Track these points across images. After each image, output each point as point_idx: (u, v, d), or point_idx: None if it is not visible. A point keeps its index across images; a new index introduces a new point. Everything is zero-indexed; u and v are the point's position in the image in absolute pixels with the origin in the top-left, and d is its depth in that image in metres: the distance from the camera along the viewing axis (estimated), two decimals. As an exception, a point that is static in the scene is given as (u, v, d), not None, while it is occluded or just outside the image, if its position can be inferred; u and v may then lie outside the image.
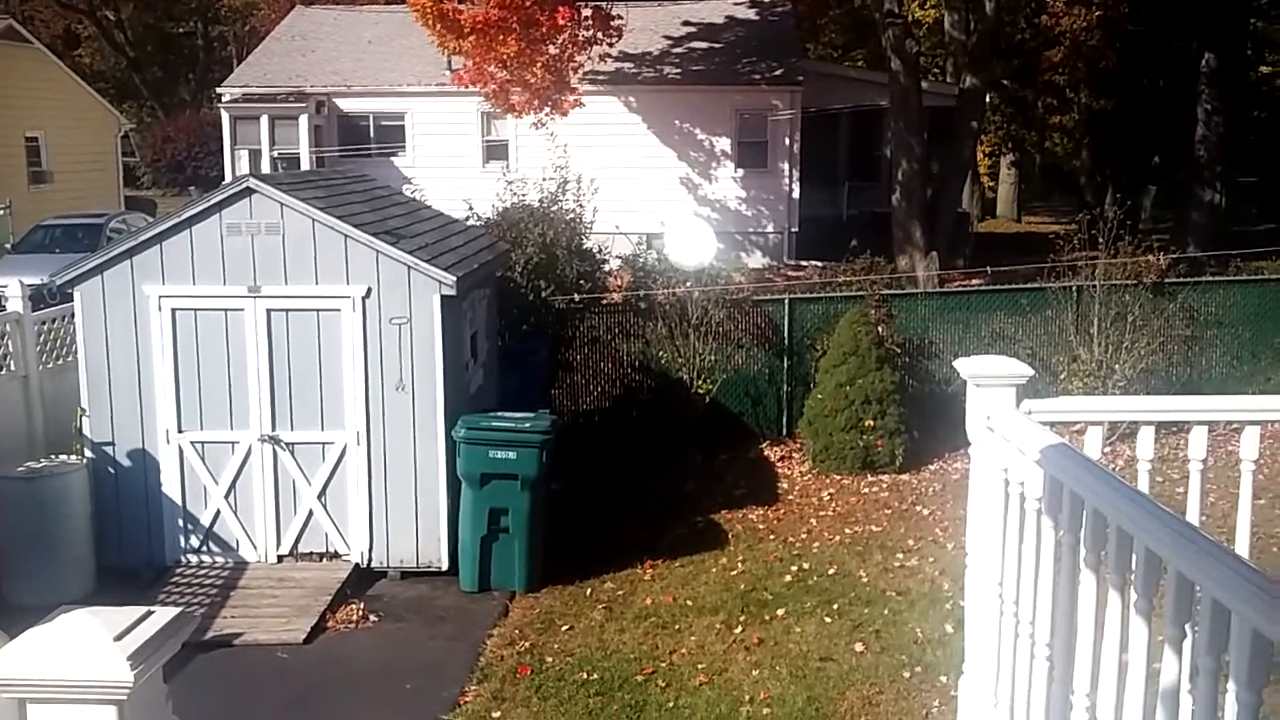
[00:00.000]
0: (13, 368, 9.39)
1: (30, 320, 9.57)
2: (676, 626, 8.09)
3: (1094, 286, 12.31)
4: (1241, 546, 4.32)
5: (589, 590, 8.83)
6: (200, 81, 46.27)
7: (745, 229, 23.49)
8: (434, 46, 20.63)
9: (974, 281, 17.03)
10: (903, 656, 7.43)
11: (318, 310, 8.89)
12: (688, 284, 12.72)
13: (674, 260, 13.35)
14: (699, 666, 7.42)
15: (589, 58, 20.80)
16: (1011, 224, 35.94)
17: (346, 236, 8.76)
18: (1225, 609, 2.58)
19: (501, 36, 18.60)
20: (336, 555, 9.10)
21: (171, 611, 2.81)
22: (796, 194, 23.35)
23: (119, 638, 2.59)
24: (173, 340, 8.89)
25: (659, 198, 21.97)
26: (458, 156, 23.02)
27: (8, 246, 21.47)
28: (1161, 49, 28.61)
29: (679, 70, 23.98)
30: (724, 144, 23.48)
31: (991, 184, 40.26)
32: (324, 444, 9.01)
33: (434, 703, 7.03)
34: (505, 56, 18.89)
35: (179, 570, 8.99)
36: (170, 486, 9.04)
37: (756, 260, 22.66)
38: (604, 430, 12.22)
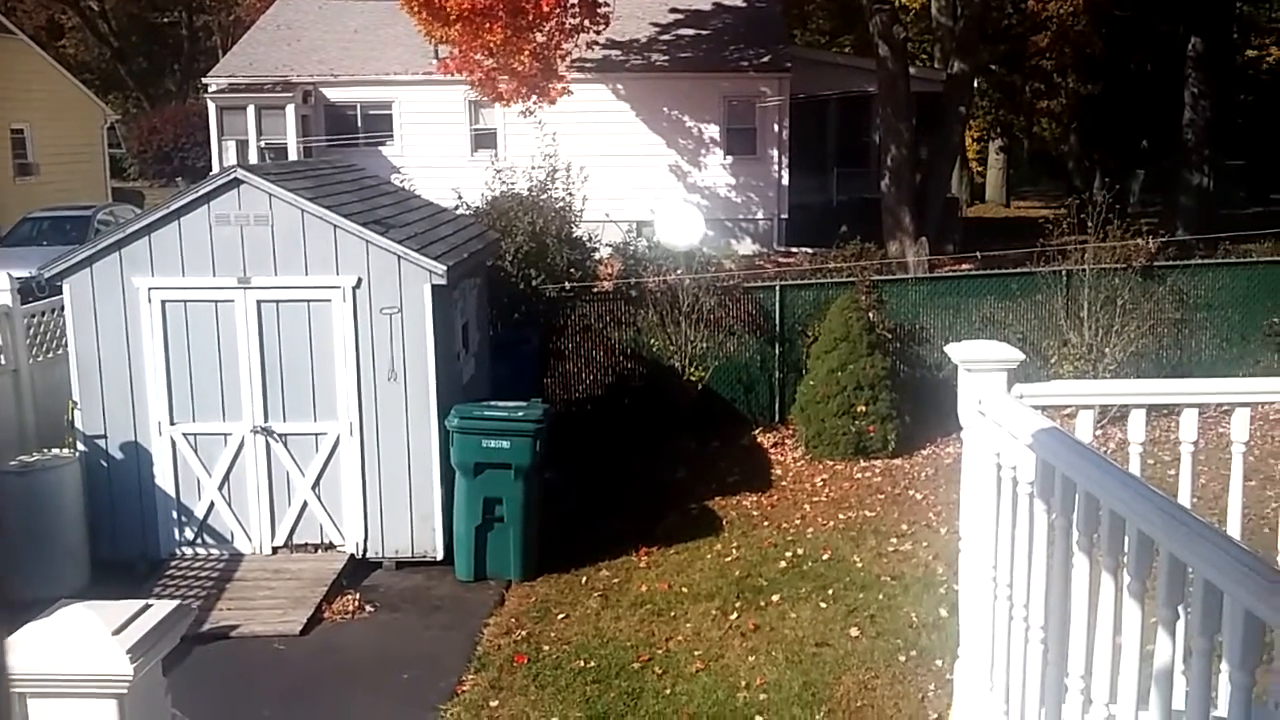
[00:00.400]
0: (3, 361, 9.35)
1: (19, 313, 9.54)
2: (672, 614, 8.11)
3: (1083, 271, 12.34)
4: (1233, 528, 4.35)
5: (584, 578, 8.86)
6: (186, 72, 45.97)
7: (735, 216, 23.48)
8: (420, 35, 20.55)
9: (964, 266, 17.07)
10: (898, 641, 7.46)
11: (308, 301, 8.88)
12: (678, 271, 12.72)
13: (664, 243, 13.33)
14: (695, 653, 7.45)
15: (576, 45, 20.72)
16: (1000, 209, 35.99)
17: (336, 226, 8.74)
18: (1218, 590, 2.61)
19: (488, 24, 18.51)
20: (331, 546, 9.11)
21: (169, 604, 2.82)
22: (786, 180, 23.35)
23: (118, 631, 2.60)
24: (163, 332, 8.87)
25: (648, 185, 21.92)
26: (446, 145, 22.95)
27: (-5, 239, 21.37)
28: (1148, 33, 28.66)
29: (667, 57, 23.93)
30: (713, 131, 23.46)
31: (980, 169, 40.29)
32: (317, 435, 9.01)
33: (432, 692, 7.04)
34: (492, 44, 18.80)
35: (174, 563, 8.99)
36: (164, 479, 9.03)
37: (747, 247, 22.65)
38: (597, 418, 12.21)
